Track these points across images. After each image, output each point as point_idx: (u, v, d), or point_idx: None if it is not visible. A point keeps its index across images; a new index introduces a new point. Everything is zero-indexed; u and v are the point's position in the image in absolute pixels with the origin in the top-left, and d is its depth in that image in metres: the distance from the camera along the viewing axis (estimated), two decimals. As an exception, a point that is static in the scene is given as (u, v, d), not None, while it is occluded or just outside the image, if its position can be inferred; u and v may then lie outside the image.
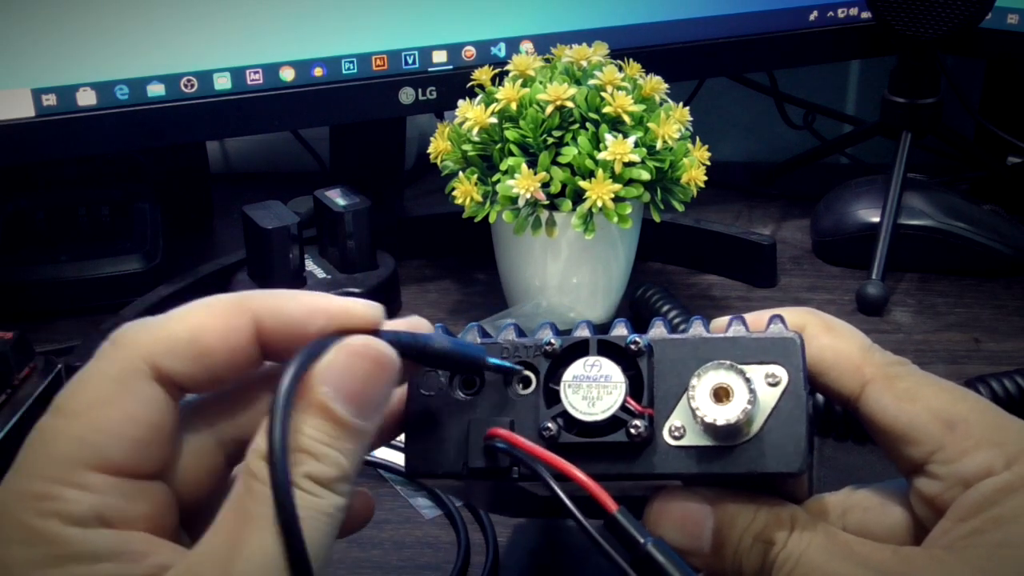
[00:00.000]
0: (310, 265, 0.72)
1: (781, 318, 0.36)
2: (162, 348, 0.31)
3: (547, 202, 0.62)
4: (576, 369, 0.35)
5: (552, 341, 0.36)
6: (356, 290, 0.70)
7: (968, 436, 0.34)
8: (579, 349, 0.36)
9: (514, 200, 0.62)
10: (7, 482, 0.29)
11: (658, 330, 0.36)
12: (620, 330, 0.37)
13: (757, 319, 0.37)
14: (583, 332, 0.37)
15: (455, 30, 0.73)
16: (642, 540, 0.33)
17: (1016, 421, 0.35)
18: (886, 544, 0.35)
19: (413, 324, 0.35)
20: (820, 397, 0.56)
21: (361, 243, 0.71)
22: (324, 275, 0.72)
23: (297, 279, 0.70)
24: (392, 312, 0.73)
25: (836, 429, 0.58)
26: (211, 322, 0.31)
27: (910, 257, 0.77)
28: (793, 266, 0.80)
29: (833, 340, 0.37)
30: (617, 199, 0.61)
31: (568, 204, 0.63)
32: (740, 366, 0.34)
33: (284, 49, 0.70)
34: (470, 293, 0.76)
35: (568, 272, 0.66)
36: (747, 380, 0.34)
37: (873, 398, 0.36)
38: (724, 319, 0.38)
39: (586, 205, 0.61)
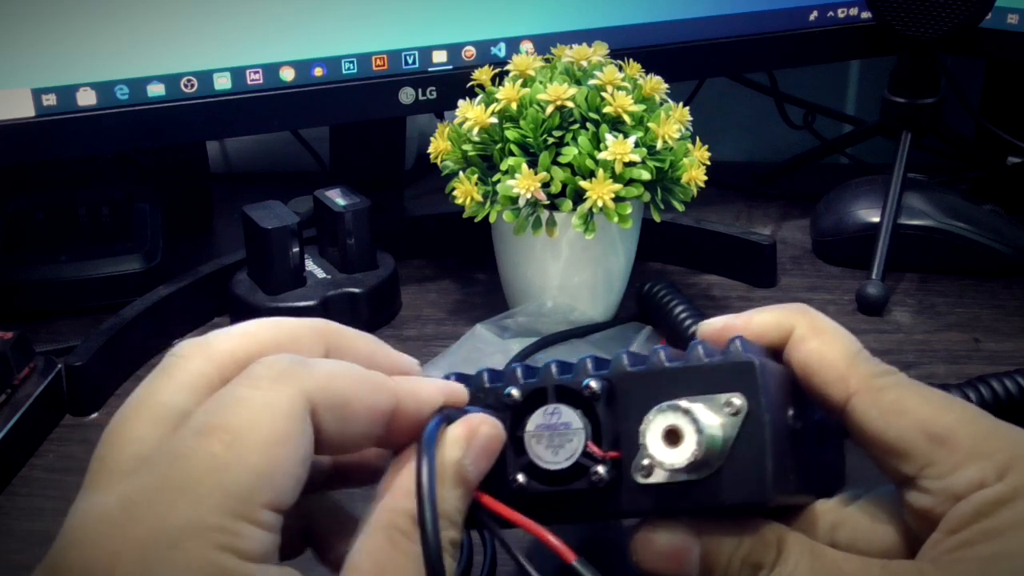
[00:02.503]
0: (310, 265, 0.72)
1: (741, 339, 0.36)
2: (322, 397, 0.31)
3: (547, 202, 0.62)
4: (538, 418, 0.35)
5: (512, 392, 0.36)
6: (356, 290, 0.70)
7: (957, 450, 0.34)
8: (539, 396, 0.36)
9: (515, 200, 0.62)
10: (174, 509, 0.28)
11: (619, 364, 0.36)
12: (584, 366, 0.36)
13: (735, 332, 0.37)
14: (548, 375, 0.36)
15: (455, 30, 0.73)
16: None
17: (1005, 427, 0.35)
18: (874, 560, 0.35)
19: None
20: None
21: (361, 243, 0.71)
22: (324, 275, 0.72)
23: (297, 279, 0.70)
24: (392, 312, 0.73)
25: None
26: (365, 394, 0.32)
27: (910, 257, 0.77)
28: (793, 266, 0.80)
29: (820, 344, 0.36)
30: (617, 199, 0.61)
31: (568, 204, 0.62)
32: (689, 406, 0.33)
33: (284, 49, 0.70)
34: (470, 293, 0.76)
35: (568, 272, 0.66)
36: (694, 420, 0.33)
37: (859, 410, 0.36)
38: (707, 325, 0.38)
39: (586, 205, 0.61)
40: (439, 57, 0.73)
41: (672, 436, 0.33)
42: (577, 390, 0.35)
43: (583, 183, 0.61)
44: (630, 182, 0.62)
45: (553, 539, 0.34)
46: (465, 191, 0.64)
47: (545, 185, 0.62)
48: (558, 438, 0.35)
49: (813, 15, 0.81)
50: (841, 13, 0.82)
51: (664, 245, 0.78)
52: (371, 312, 0.71)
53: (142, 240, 0.77)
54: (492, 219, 0.63)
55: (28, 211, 0.79)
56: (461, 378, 0.38)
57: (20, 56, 0.64)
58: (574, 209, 0.62)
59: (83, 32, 0.65)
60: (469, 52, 0.74)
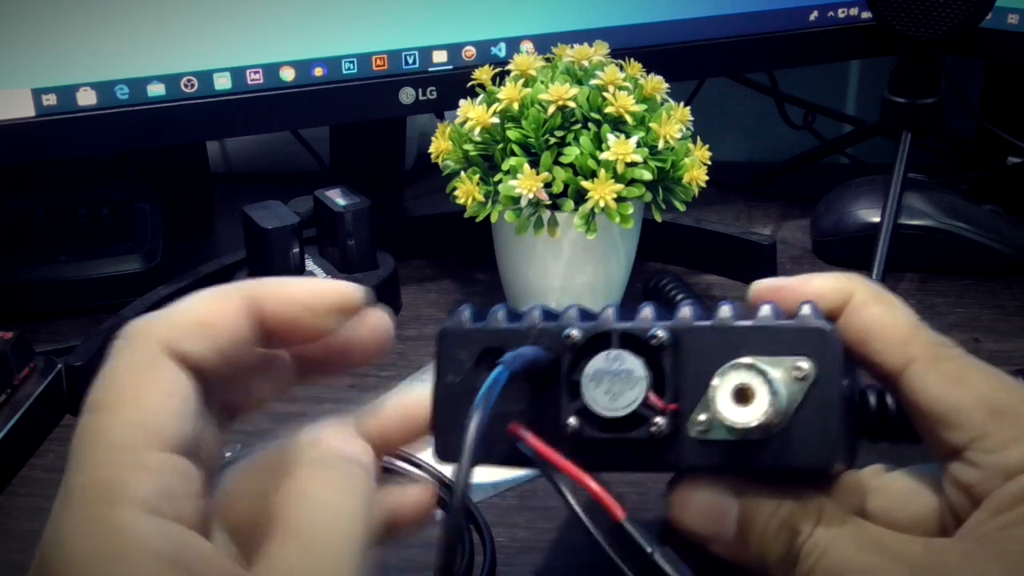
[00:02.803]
0: (310, 265, 0.72)
1: (814, 304, 0.35)
2: (176, 333, 0.31)
3: (549, 202, 0.62)
4: (598, 362, 0.34)
5: (573, 333, 0.35)
6: (356, 290, 0.70)
7: (1013, 426, 0.34)
8: (601, 341, 0.35)
9: (516, 200, 0.62)
10: (68, 485, 0.29)
11: (684, 316, 0.35)
12: (646, 314, 0.35)
13: (792, 293, 0.36)
14: (608, 318, 0.35)
15: (455, 30, 0.73)
16: (649, 550, 0.33)
17: None
18: (916, 537, 0.34)
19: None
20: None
21: (361, 243, 0.71)
22: (324, 275, 0.72)
23: (297, 279, 0.70)
24: (392, 312, 0.73)
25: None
26: (214, 305, 0.32)
27: (910, 257, 0.77)
28: (793, 266, 0.80)
29: (883, 310, 0.36)
30: (619, 199, 0.61)
31: (570, 204, 0.62)
32: (763, 366, 0.33)
33: (284, 49, 0.70)
34: (470, 293, 0.76)
35: (570, 272, 0.66)
36: (769, 381, 0.32)
37: (918, 376, 0.35)
38: (762, 285, 0.37)
39: (588, 205, 0.61)
40: (439, 57, 0.73)
41: (742, 395, 0.33)
42: (643, 338, 0.34)
43: (585, 183, 0.61)
44: (632, 182, 0.62)
45: (602, 491, 0.33)
46: (467, 191, 0.64)
47: (547, 185, 0.62)
48: (618, 385, 0.34)
49: (813, 15, 0.81)
50: (841, 13, 0.82)
51: (664, 245, 0.78)
52: (371, 312, 0.71)
53: (142, 240, 0.77)
54: (494, 219, 0.63)
55: (28, 211, 0.79)
56: (512, 315, 0.36)
57: (20, 56, 0.64)
58: (576, 209, 0.62)
59: (83, 32, 0.65)
60: (469, 52, 0.73)
